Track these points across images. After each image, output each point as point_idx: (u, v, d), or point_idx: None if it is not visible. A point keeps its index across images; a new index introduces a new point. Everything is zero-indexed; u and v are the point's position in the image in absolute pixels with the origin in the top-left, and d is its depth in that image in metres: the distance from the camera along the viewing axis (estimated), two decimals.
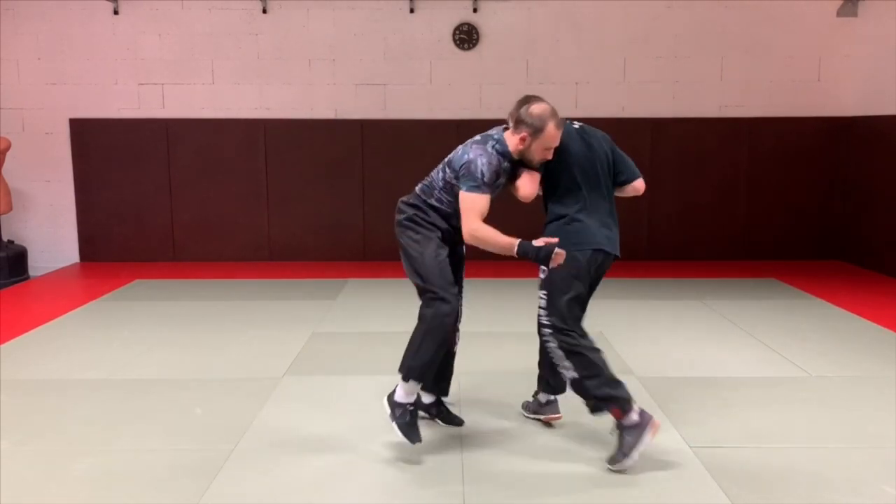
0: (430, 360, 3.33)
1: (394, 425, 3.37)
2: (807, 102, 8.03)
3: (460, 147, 3.40)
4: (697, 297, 6.48)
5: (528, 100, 3.36)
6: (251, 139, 8.04)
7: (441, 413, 3.77)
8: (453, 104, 8.01)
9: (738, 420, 3.84)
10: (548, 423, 3.77)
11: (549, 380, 3.67)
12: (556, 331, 3.36)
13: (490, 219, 3.28)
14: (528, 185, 3.38)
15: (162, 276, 7.42)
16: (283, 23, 7.93)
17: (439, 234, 3.41)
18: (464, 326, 3.70)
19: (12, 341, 5.23)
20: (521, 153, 3.34)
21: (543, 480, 3.22)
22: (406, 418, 3.35)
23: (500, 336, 5.31)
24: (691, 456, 3.43)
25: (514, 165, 3.41)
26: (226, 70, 7.98)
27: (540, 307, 3.42)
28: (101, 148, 8.02)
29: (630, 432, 3.22)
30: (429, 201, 3.41)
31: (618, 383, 3.30)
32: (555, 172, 3.42)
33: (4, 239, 7.87)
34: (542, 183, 3.48)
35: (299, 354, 4.93)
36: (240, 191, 8.10)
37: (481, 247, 3.24)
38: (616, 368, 4.61)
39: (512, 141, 3.33)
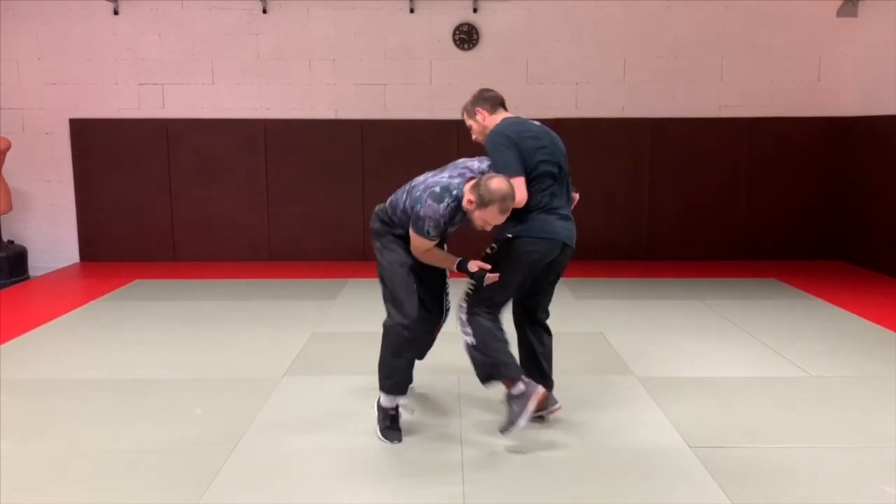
0: (402, 374, 3.63)
1: (377, 428, 3.64)
2: (807, 102, 8.03)
3: (423, 183, 3.46)
4: (697, 297, 6.48)
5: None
6: (251, 139, 8.04)
7: None
8: (453, 104, 7.97)
9: (738, 420, 3.84)
10: (544, 418, 3.76)
11: (536, 374, 3.73)
12: (473, 302, 3.55)
13: None
14: (517, 193, 3.42)
15: (162, 276, 7.42)
16: (283, 23, 7.93)
17: (404, 245, 3.58)
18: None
19: (12, 341, 5.23)
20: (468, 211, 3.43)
21: (543, 480, 3.22)
22: (387, 423, 3.62)
23: None
24: (691, 456, 3.43)
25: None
26: (226, 70, 7.98)
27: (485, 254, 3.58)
28: (101, 148, 8.02)
29: (516, 401, 3.38)
30: (392, 218, 3.60)
31: (508, 361, 3.49)
32: (529, 166, 3.51)
33: (4, 239, 7.88)
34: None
35: (299, 354, 4.94)
36: (240, 191, 8.10)
37: (427, 262, 3.56)
38: (616, 368, 4.64)
39: (466, 196, 3.37)
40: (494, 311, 3.59)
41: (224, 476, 3.25)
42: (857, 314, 5.85)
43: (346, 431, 3.71)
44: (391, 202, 3.64)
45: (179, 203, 8.11)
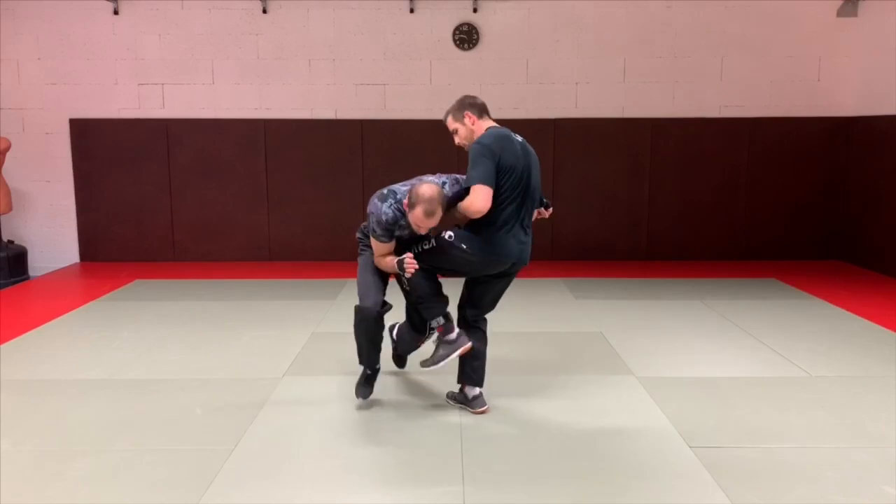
0: (366, 350, 3.95)
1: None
2: (807, 102, 8.03)
3: (380, 192, 3.76)
4: (697, 297, 6.48)
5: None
6: (251, 139, 8.04)
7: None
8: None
9: (738, 420, 3.84)
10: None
11: (470, 371, 3.91)
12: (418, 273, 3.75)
13: None
14: (477, 202, 3.55)
15: (162, 276, 7.42)
16: (283, 23, 7.93)
17: (371, 252, 3.90)
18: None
19: (12, 341, 5.23)
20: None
21: (543, 480, 3.22)
22: (361, 380, 4.02)
23: (499, 336, 5.30)
24: (691, 456, 3.43)
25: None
26: (226, 70, 7.98)
27: (423, 247, 3.75)
28: (101, 148, 8.02)
29: (445, 346, 3.74)
30: (365, 229, 3.92)
31: (443, 306, 3.77)
32: (499, 181, 3.65)
33: (4, 239, 7.88)
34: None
35: (299, 354, 4.94)
36: (240, 191, 8.10)
37: (382, 268, 3.84)
38: (616, 368, 4.64)
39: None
40: (434, 288, 3.83)
41: (224, 476, 3.26)
42: (857, 314, 5.85)
43: (345, 431, 3.71)
44: (368, 211, 3.89)
45: (179, 203, 8.11)
